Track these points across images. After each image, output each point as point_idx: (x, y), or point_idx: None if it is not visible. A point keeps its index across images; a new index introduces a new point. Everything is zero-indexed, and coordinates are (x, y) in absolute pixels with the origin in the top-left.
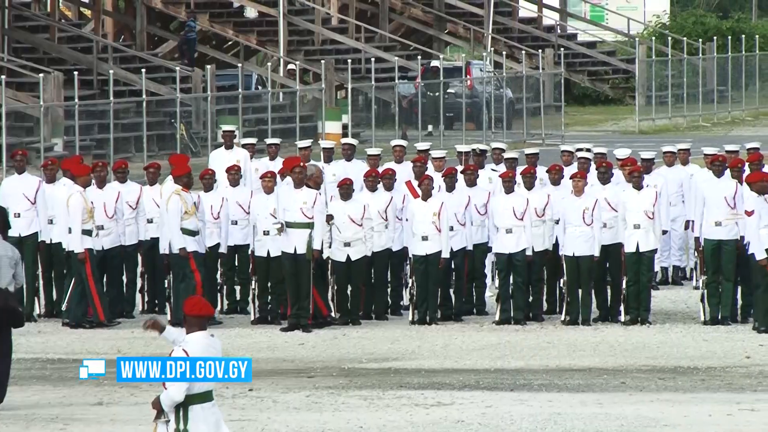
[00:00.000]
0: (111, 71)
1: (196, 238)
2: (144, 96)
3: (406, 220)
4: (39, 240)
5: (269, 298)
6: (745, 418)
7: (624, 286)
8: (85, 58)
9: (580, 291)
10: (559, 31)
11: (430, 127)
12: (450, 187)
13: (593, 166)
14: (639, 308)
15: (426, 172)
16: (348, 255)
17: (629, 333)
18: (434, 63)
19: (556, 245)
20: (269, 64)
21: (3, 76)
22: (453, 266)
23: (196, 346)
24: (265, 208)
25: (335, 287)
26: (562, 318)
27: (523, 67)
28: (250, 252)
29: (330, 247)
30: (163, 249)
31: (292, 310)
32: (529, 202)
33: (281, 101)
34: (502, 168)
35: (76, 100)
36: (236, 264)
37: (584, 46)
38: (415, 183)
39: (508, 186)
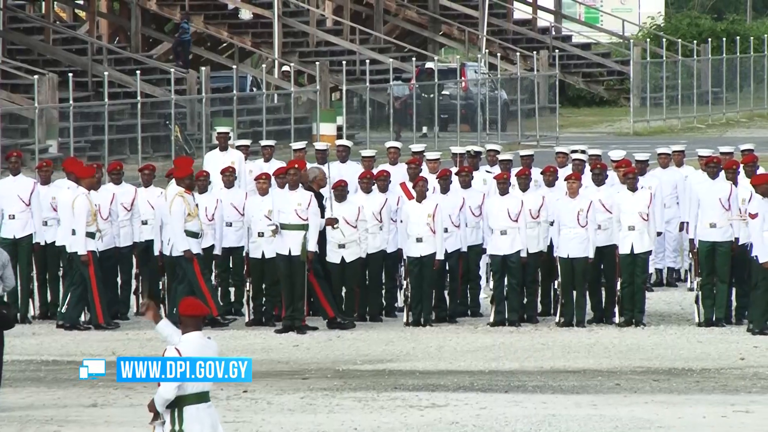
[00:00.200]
0: (106, 73)
1: (198, 240)
2: (139, 98)
3: (401, 221)
4: (34, 242)
5: (264, 299)
6: (740, 420)
7: (618, 287)
8: (79, 60)
9: (574, 292)
10: (553, 32)
11: (424, 129)
12: (444, 189)
13: (588, 168)
14: (633, 310)
15: (420, 174)
16: (342, 257)
17: (624, 334)
18: (429, 65)
19: (550, 247)
20: (264, 65)
21: None
22: (447, 268)
23: (190, 347)
24: (260, 209)
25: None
26: (557, 319)
27: (518, 69)
28: (244, 254)
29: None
30: (158, 250)
31: (286, 312)
32: (524, 203)
33: (276, 103)
34: (496, 169)
35: (71, 102)
36: (231, 266)
37: (579, 48)
38: (409, 185)
39: (503, 187)
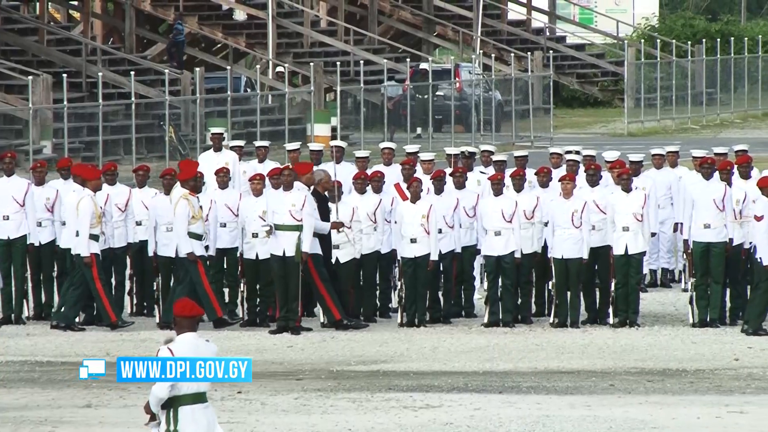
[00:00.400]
0: (100, 74)
1: (202, 243)
2: (133, 98)
3: (395, 222)
4: (28, 242)
5: (258, 300)
6: (734, 421)
7: (613, 288)
8: (74, 61)
9: (568, 293)
10: (547, 33)
11: (419, 130)
12: (439, 190)
13: (582, 169)
14: (628, 310)
15: (415, 175)
16: (337, 257)
17: (618, 335)
18: (423, 65)
19: (544, 247)
20: (258, 66)
21: None
22: (441, 269)
23: (183, 347)
24: (254, 210)
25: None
26: (551, 320)
27: (512, 70)
28: (238, 254)
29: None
30: (152, 251)
31: (280, 313)
32: (518, 204)
33: (270, 104)
34: (490, 170)
35: (65, 103)
36: (225, 266)
37: (573, 49)
38: (403, 185)
39: (497, 188)
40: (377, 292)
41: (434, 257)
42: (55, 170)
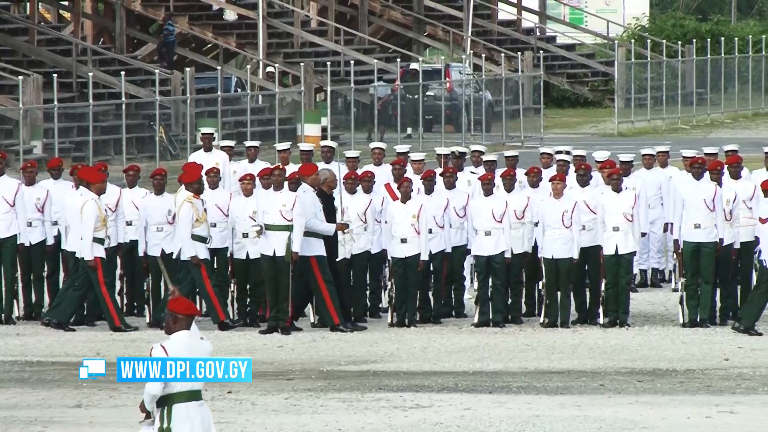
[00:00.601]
0: (90, 74)
1: (206, 245)
2: (123, 98)
3: (385, 222)
4: (18, 242)
5: (248, 300)
6: (724, 420)
7: (603, 288)
8: (64, 61)
9: (558, 293)
10: (538, 33)
11: (409, 130)
12: (429, 190)
13: (572, 169)
14: (618, 310)
15: (405, 175)
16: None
17: (608, 335)
18: (413, 65)
19: (535, 247)
20: (248, 66)
21: None
22: (432, 269)
23: (177, 345)
24: (244, 210)
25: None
26: (541, 320)
27: (502, 70)
28: (228, 254)
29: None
30: (142, 251)
31: (270, 313)
32: (509, 204)
33: (260, 104)
34: (481, 170)
35: (56, 103)
36: (215, 267)
37: (563, 49)
38: (394, 185)
39: (487, 188)
40: (367, 292)
41: (424, 257)
42: (45, 170)
